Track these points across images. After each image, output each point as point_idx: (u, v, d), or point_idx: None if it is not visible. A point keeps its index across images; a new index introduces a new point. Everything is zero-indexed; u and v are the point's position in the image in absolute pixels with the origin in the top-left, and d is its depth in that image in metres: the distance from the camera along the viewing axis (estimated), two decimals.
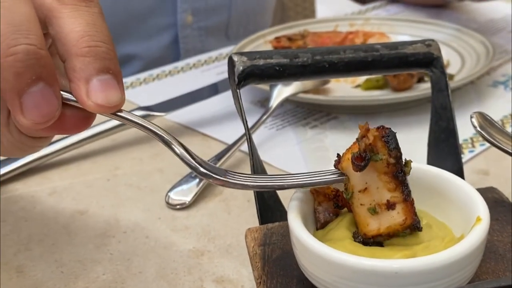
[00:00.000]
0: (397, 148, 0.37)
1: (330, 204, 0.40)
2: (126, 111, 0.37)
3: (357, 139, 0.38)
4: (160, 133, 0.38)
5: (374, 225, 0.37)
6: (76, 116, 0.37)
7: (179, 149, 0.38)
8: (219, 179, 0.38)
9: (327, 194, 0.40)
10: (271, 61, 0.45)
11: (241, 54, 0.45)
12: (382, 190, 0.37)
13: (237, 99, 0.45)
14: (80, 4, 0.37)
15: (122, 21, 0.92)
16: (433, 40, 0.49)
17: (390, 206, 0.37)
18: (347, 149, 0.39)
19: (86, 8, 0.37)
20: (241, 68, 0.44)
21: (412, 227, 0.37)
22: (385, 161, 0.37)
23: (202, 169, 0.37)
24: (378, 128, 0.37)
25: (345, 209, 0.40)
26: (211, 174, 0.37)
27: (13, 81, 0.33)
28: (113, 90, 0.36)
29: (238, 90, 0.45)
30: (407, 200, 0.37)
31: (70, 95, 0.36)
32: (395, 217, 0.37)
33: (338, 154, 0.39)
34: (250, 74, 0.45)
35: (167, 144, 0.38)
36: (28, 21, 0.34)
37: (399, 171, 0.37)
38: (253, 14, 1.07)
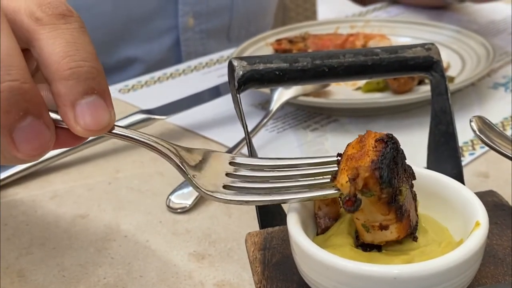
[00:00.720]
0: (390, 182, 0.35)
1: (331, 209, 0.40)
2: (119, 127, 0.37)
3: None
4: (158, 147, 0.39)
5: (368, 238, 0.38)
6: (68, 135, 0.36)
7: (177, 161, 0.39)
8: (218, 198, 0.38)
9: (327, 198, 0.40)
10: (271, 66, 0.45)
11: (241, 58, 0.45)
12: (375, 214, 0.36)
13: (237, 103, 0.45)
14: (58, 22, 0.36)
15: (124, 24, 0.92)
16: (432, 44, 0.49)
17: (383, 227, 0.37)
18: (342, 165, 0.38)
19: (65, 26, 0.36)
20: (241, 72, 0.44)
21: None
22: (376, 196, 0.36)
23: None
24: (373, 161, 0.36)
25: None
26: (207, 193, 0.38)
27: (1, 119, 0.33)
28: (100, 110, 0.35)
29: (238, 95, 0.45)
30: (401, 220, 0.37)
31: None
32: (389, 236, 0.37)
33: (338, 153, 0.40)
34: (250, 79, 0.45)
35: (166, 156, 0.39)
36: (9, 55, 0.34)
37: (392, 201, 0.36)
38: (254, 16, 1.07)
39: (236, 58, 0.45)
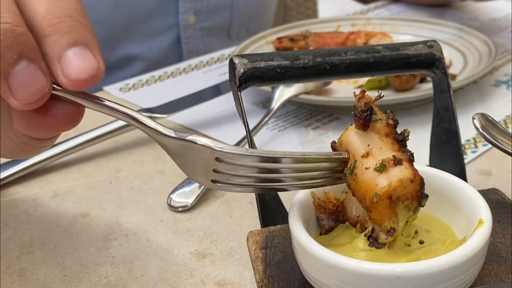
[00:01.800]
0: (393, 112, 0.38)
1: (331, 215, 0.40)
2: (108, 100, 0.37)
3: (354, 106, 0.38)
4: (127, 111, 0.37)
5: (384, 182, 0.35)
6: (65, 111, 0.36)
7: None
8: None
9: (327, 208, 0.39)
10: (272, 63, 0.45)
11: (242, 56, 0.45)
12: (385, 150, 0.37)
13: (238, 101, 0.45)
14: None
15: (124, 22, 0.92)
16: (434, 41, 0.49)
17: (397, 161, 0.36)
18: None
19: None
20: (242, 70, 0.44)
21: (421, 195, 0.36)
22: (384, 121, 0.37)
23: None
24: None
25: None
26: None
27: None
28: (86, 59, 0.35)
29: (239, 93, 0.45)
30: (412, 161, 0.37)
31: (55, 85, 0.36)
32: (404, 172, 0.36)
33: (333, 141, 0.40)
34: (251, 77, 0.44)
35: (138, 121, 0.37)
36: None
37: (399, 135, 0.37)
38: (254, 15, 1.07)
39: (237, 55, 0.45)
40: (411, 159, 0.37)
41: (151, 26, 0.95)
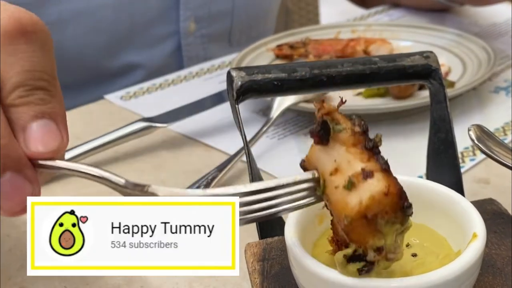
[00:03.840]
0: (361, 117, 0.34)
1: None
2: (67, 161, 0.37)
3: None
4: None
5: (353, 201, 0.32)
6: None
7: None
8: None
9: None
10: (269, 76, 0.45)
11: (239, 69, 0.45)
12: (354, 163, 0.33)
13: (236, 114, 0.45)
14: (17, 43, 0.36)
15: (125, 30, 0.93)
16: (431, 52, 0.49)
17: (366, 174, 0.32)
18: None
19: (24, 48, 0.36)
20: (239, 83, 0.45)
21: (402, 206, 0.32)
22: (349, 130, 0.33)
23: None
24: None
25: None
26: None
27: None
28: (51, 134, 0.35)
29: (237, 105, 0.45)
30: (386, 169, 0.32)
31: None
32: (376, 185, 0.32)
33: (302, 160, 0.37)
34: (249, 89, 0.45)
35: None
36: None
37: (368, 141, 0.33)
38: (255, 21, 1.07)
39: (234, 68, 0.45)
40: (384, 168, 0.33)
41: (152, 34, 0.95)
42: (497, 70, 0.80)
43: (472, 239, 0.36)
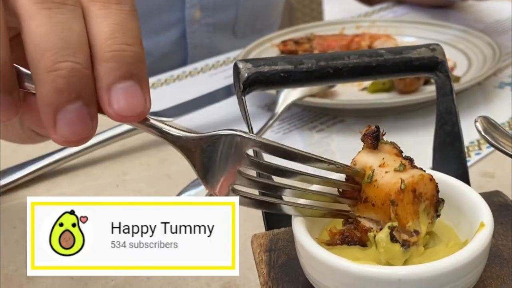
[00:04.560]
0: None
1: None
2: (153, 118, 0.37)
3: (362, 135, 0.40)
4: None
5: (406, 175, 0.37)
6: None
7: None
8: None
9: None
10: (276, 68, 0.45)
11: (246, 61, 0.45)
12: (398, 162, 0.38)
13: (242, 105, 0.45)
14: (109, 1, 0.36)
15: None
16: (437, 44, 0.49)
17: (414, 167, 0.38)
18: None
19: (116, 6, 0.36)
20: (246, 75, 0.45)
21: (437, 200, 0.38)
22: (391, 145, 0.40)
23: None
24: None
25: None
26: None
27: (51, 96, 0.33)
28: (135, 98, 0.35)
29: (243, 97, 0.45)
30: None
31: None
32: (422, 173, 0.38)
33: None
34: (255, 81, 0.45)
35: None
36: (79, 39, 0.34)
37: (406, 156, 0.39)
38: (260, 13, 1.07)
39: (241, 60, 0.45)
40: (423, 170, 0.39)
41: (158, 21, 0.95)
42: (502, 66, 0.80)
43: (479, 228, 0.36)
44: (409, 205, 0.37)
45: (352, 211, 0.39)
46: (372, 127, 0.40)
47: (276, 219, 0.45)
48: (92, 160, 0.64)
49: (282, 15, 1.21)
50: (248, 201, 0.38)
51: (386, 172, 0.38)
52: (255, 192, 0.38)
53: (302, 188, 0.39)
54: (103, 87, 0.34)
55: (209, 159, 0.37)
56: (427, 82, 0.73)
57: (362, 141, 0.40)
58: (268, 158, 0.38)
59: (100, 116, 0.38)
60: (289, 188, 0.38)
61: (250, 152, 0.37)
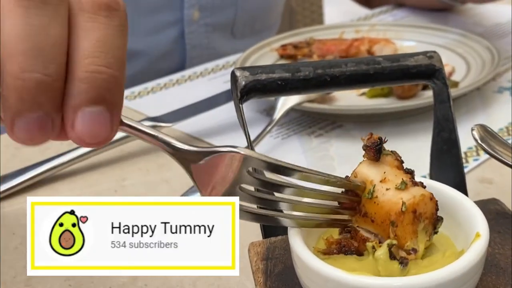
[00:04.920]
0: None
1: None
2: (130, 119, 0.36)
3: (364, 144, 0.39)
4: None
5: (408, 196, 0.37)
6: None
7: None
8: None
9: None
10: (273, 76, 0.46)
11: (243, 69, 0.46)
12: (400, 177, 0.38)
13: (240, 113, 0.45)
14: (98, 13, 0.34)
15: (130, 16, 0.92)
16: (434, 52, 0.49)
17: (415, 184, 0.38)
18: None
19: (103, 20, 0.34)
20: (243, 83, 0.45)
21: (436, 218, 0.38)
22: (393, 156, 0.40)
23: None
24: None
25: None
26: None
27: (12, 102, 0.32)
28: (101, 125, 0.33)
29: (241, 105, 0.45)
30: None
31: None
32: (423, 191, 0.38)
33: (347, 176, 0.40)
34: (253, 89, 0.45)
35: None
36: (53, 47, 0.32)
37: (407, 168, 0.40)
38: (258, 14, 1.07)
39: (238, 68, 0.46)
40: (424, 186, 0.39)
41: (156, 21, 0.95)
42: (501, 70, 0.81)
43: (475, 239, 0.36)
44: (409, 225, 0.37)
45: (351, 220, 0.39)
46: (375, 136, 0.40)
47: (273, 227, 0.45)
48: (91, 166, 0.64)
49: (282, 18, 1.21)
50: (248, 215, 0.38)
51: (387, 189, 0.38)
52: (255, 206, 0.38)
53: (303, 201, 0.39)
54: (71, 106, 0.33)
55: (209, 175, 0.37)
56: (425, 87, 0.73)
57: (364, 150, 0.40)
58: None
59: None
60: (290, 203, 0.38)
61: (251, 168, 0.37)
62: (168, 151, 0.37)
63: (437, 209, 0.38)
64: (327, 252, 0.38)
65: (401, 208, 0.36)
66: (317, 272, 0.35)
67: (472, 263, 0.34)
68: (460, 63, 0.80)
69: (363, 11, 1.16)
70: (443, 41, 0.85)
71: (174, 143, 0.37)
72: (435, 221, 0.38)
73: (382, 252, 0.35)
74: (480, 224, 0.37)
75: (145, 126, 0.37)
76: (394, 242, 0.36)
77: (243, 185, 0.37)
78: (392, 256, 0.35)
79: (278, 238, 0.44)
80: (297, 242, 0.37)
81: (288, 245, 0.41)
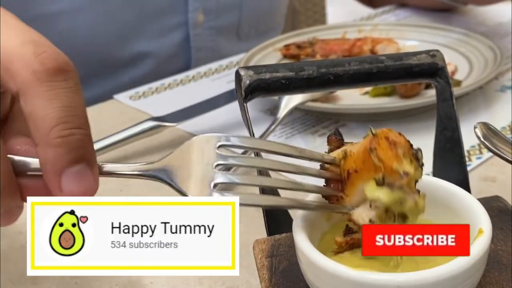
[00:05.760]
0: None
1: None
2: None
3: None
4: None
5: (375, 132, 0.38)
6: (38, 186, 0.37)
7: None
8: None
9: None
10: (277, 75, 0.46)
11: (247, 68, 0.46)
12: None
13: (244, 112, 0.46)
14: (56, 80, 0.35)
15: (134, 19, 0.93)
16: (437, 51, 0.49)
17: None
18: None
19: (63, 84, 0.35)
20: (247, 82, 0.45)
21: (414, 152, 0.38)
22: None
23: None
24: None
25: None
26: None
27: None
28: (86, 180, 0.35)
29: (245, 104, 0.46)
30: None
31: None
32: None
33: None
34: (257, 88, 0.46)
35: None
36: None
37: None
38: (263, 15, 1.08)
39: (242, 67, 0.46)
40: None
41: (161, 24, 0.96)
42: (503, 69, 0.81)
43: (478, 235, 0.36)
44: (388, 150, 0.37)
45: (348, 208, 0.39)
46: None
47: (277, 224, 0.45)
48: None
49: (285, 18, 1.21)
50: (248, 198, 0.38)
51: (356, 143, 0.39)
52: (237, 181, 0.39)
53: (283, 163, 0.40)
54: (53, 171, 0.35)
55: (187, 169, 0.38)
56: (428, 86, 0.74)
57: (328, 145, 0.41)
58: None
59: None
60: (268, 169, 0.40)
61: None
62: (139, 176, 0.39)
63: (411, 144, 0.38)
64: (339, 252, 0.39)
65: (371, 132, 0.38)
66: (322, 268, 0.35)
67: (475, 259, 0.34)
68: (462, 62, 0.80)
69: (366, 11, 1.16)
70: (445, 40, 0.85)
71: (137, 170, 0.39)
72: (415, 153, 0.38)
73: (370, 186, 0.36)
74: (483, 220, 0.37)
75: (122, 165, 0.39)
76: (380, 175, 0.36)
77: (219, 165, 0.37)
78: (381, 184, 0.36)
79: (282, 236, 0.44)
80: (301, 238, 0.37)
81: (293, 242, 0.41)
